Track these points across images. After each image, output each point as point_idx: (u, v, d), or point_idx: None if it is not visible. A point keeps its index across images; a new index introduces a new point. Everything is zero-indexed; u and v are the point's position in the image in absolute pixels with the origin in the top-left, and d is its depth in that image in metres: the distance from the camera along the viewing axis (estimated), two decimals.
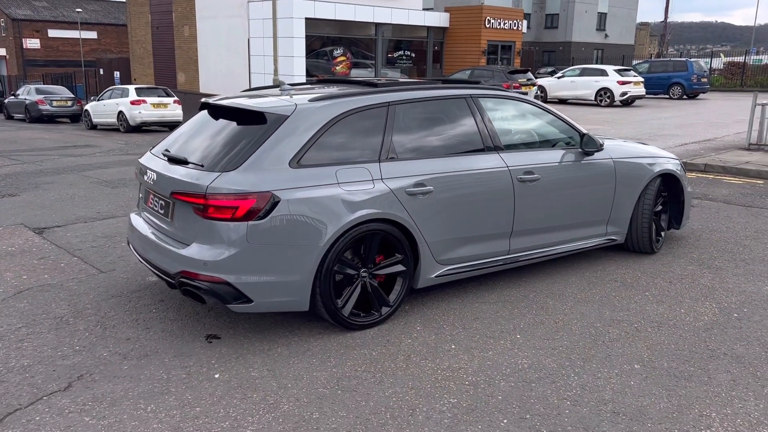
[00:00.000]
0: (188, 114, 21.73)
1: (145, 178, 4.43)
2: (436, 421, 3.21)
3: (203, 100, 4.89)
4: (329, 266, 4.06)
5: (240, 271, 3.89)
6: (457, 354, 3.94)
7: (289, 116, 4.11)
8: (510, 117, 5.16)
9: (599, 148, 5.29)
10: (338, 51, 25.03)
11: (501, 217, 4.84)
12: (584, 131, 5.43)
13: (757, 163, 10.29)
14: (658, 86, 29.01)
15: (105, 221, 7.31)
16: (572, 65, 34.20)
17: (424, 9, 28.29)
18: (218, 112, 4.57)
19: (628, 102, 25.10)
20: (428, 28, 27.58)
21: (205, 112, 4.75)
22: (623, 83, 24.60)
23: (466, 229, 4.66)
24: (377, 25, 25.81)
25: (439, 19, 27.69)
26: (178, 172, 4.10)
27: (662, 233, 6.08)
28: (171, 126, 20.98)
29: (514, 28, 28.03)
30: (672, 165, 5.98)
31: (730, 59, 37.94)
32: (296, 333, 4.25)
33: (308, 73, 23.53)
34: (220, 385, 3.58)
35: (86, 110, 22.67)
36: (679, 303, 4.76)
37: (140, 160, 4.71)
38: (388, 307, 4.39)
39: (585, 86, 25.26)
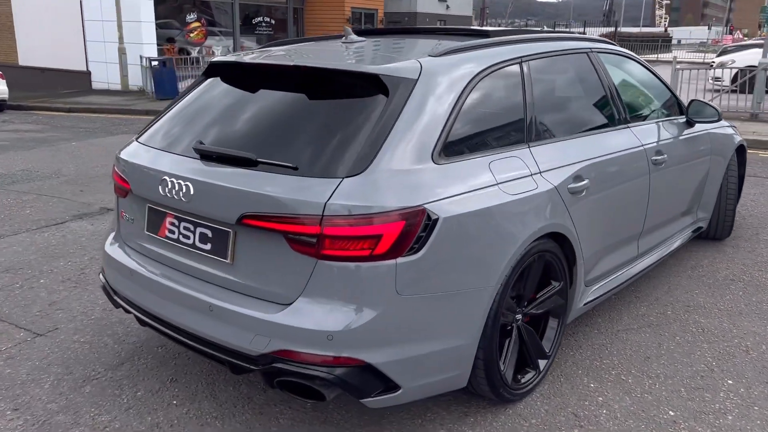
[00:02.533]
0: (13, 91, 18.02)
1: (161, 190, 2.60)
2: None
3: (214, 59, 3.14)
4: (497, 315, 2.60)
5: (386, 344, 2.31)
6: (692, 428, 2.69)
7: (416, 80, 2.54)
8: (624, 79, 3.93)
9: (719, 117, 4.24)
10: (192, 16, 22.22)
11: (637, 212, 3.64)
12: (678, 97, 4.36)
13: None
14: None
15: None
16: None
17: None
18: (263, 76, 2.87)
19: None
20: None
21: (216, 79, 3.01)
22: None
23: (610, 235, 3.41)
24: None
25: None
26: (248, 180, 2.38)
27: None
28: None
29: None
30: (739, 135, 5.13)
31: (580, 31, 39.80)
32: (432, 419, 2.75)
33: (159, 41, 20.60)
34: None
35: None
36: None
37: (130, 159, 2.85)
38: (545, 360, 3.02)
39: None
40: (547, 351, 3.02)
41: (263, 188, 2.34)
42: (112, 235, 3.08)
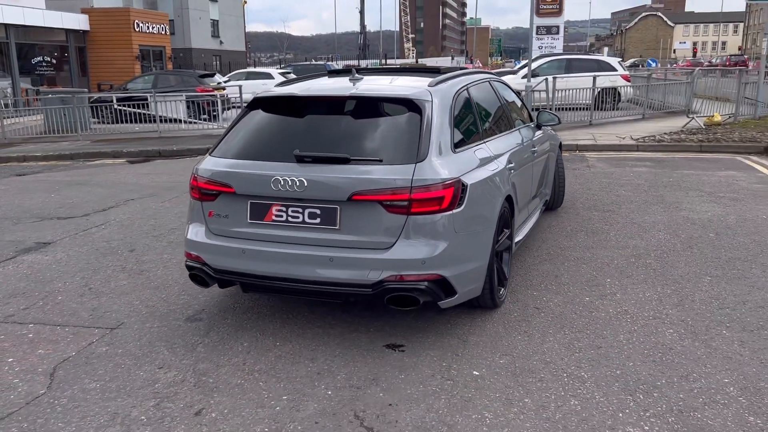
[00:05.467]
0: None
1: (273, 186, 3.67)
2: None
3: (260, 95, 4.24)
4: (494, 247, 4.12)
5: (452, 264, 3.70)
6: (602, 303, 4.45)
7: (431, 101, 3.97)
8: (504, 96, 5.68)
9: (559, 121, 6.21)
10: None
11: (528, 186, 5.40)
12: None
13: None
14: None
15: None
16: (200, 70, 34.21)
17: (55, 10, 25.01)
18: (318, 103, 4.08)
19: None
20: (67, 31, 24.58)
21: (260, 110, 4.15)
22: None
23: (521, 200, 5.09)
24: (7, 26, 21.98)
25: (78, 21, 24.90)
26: (349, 172, 3.60)
27: None
28: None
29: (162, 32, 26.99)
30: (559, 136, 7.26)
31: (346, 63, 43.17)
32: (455, 323, 4.15)
33: None
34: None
35: None
36: (651, 234, 6.04)
37: (228, 169, 3.85)
38: (506, 280, 4.58)
39: (254, 87, 25.97)
40: (506, 274, 4.60)
41: (363, 175, 3.58)
42: (200, 231, 4.00)
